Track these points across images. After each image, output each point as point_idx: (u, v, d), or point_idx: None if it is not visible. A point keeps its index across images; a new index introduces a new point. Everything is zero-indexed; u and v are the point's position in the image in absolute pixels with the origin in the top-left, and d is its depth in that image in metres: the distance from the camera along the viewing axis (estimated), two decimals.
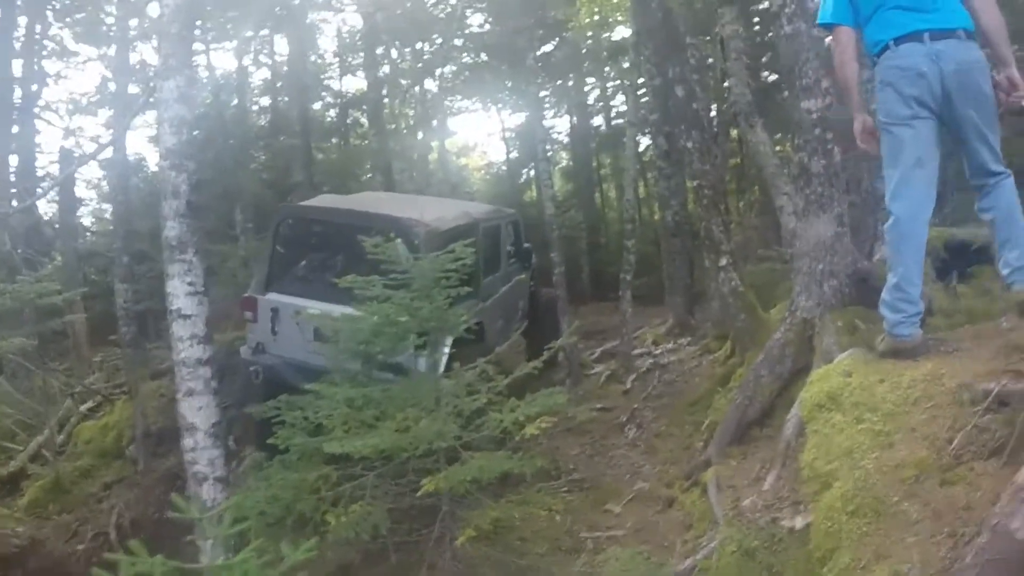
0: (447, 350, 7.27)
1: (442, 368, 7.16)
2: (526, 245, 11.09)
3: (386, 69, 17.53)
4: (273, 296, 8.12)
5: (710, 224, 8.21)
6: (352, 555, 6.17)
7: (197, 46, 15.62)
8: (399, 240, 7.32)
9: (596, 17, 13.32)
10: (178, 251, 5.02)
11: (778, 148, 12.45)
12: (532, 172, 21.77)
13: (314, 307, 7.24)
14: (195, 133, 15.27)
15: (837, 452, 3.63)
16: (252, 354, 8.15)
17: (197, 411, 5.11)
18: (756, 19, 14.46)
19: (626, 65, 15.03)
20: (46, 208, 17.70)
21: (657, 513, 6.79)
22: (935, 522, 2.91)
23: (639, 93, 13.19)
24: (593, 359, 11.76)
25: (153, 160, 17.46)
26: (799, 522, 4.68)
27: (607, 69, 20.29)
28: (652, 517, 6.74)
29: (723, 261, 8.15)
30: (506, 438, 5.34)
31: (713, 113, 15.10)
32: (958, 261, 7.07)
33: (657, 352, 11.28)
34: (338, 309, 6.55)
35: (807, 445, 4.06)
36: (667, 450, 8.13)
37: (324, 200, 9.36)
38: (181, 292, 5.05)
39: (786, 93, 7.23)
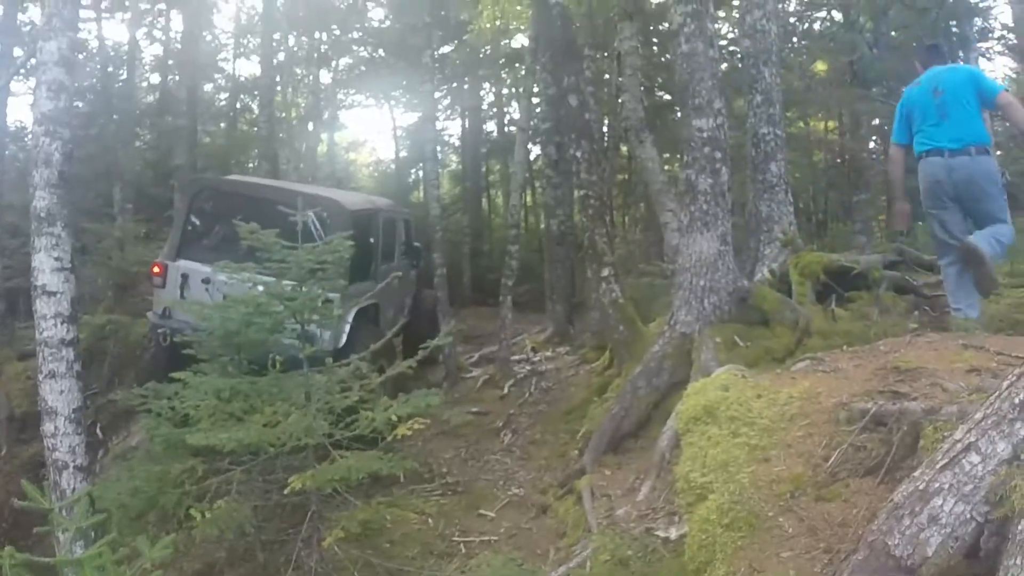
0: (349, 322, 8.12)
1: (344, 339, 7.92)
2: (416, 244, 11.31)
3: (281, 56, 17.13)
4: (183, 263, 8.51)
5: (594, 234, 8.26)
6: (218, 553, 5.93)
7: (87, 13, 14.98)
8: (312, 214, 7.74)
9: (497, 23, 13.29)
10: (46, 223, 4.72)
11: (666, 167, 12.69)
12: (420, 173, 21.58)
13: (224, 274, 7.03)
14: (78, 104, 14.76)
15: (713, 465, 3.65)
16: (159, 318, 8.48)
17: (59, 395, 4.82)
18: (655, 39, 14.73)
19: (522, 72, 15.05)
20: None
21: (531, 520, 6.75)
22: (811, 537, 2.94)
23: (533, 101, 13.22)
24: (471, 363, 11.71)
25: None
26: (674, 533, 4.71)
27: (504, 75, 20.34)
28: (526, 524, 6.70)
29: (605, 272, 8.20)
30: (378, 438, 5.19)
31: (605, 127, 15.34)
32: (838, 285, 7.30)
33: (535, 359, 11.30)
34: (245, 278, 6.41)
35: (683, 457, 4.07)
36: (542, 457, 8.11)
37: (237, 177, 9.80)
38: (47, 267, 4.75)
39: (678, 113, 7.33)
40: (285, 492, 4.75)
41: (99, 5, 15.13)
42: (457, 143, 24.57)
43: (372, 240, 9.46)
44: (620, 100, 11.48)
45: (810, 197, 18.26)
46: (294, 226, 7.41)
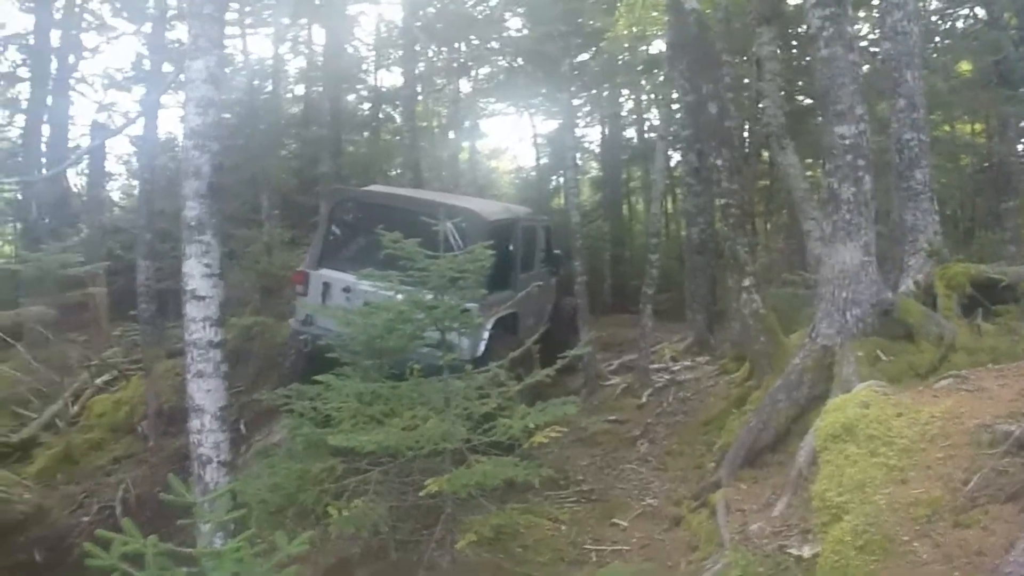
0: (487, 331, 8.26)
1: (482, 348, 8.06)
2: (556, 251, 11.40)
3: (421, 67, 17.50)
4: (325, 271, 8.75)
5: (735, 244, 8.14)
6: (353, 549, 6.14)
7: (233, 30, 15.72)
8: (451, 225, 7.77)
9: (633, 29, 13.24)
10: (196, 232, 5.01)
11: (809, 173, 12.35)
12: (561, 179, 21.70)
13: (365, 284, 7.26)
14: (225, 116, 15.47)
15: (849, 484, 3.57)
16: (301, 325, 8.78)
17: (206, 393, 5.10)
18: (794, 42, 14.37)
19: (660, 79, 14.91)
20: (75, 180, 17.84)
21: (664, 531, 6.73)
22: (945, 565, 2.86)
23: (672, 108, 13.11)
24: (610, 371, 11.69)
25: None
26: (807, 551, 4.61)
27: (642, 81, 20.19)
28: (658, 535, 6.69)
29: (746, 282, 8.08)
30: (515, 444, 5.27)
31: (745, 133, 15.06)
32: (985, 298, 6.99)
33: (675, 368, 11.20)
34: (384, 288, 6.70)
35: (819, 475, 4.00)
36: (678, 468, 8.07)
37: (378, 188, 9.99)
38: (197, 273, 5.04)
39: (820, 118, 7.15)
40: (421, 494, 4.88)
41: (243, 22, 15.84)
42: (597, 150, 24.50)
43: (511, 249, 9.57)
44: (760, 105, 11.25)
45: (957, 204, 17.34)
46: (433, 236, 7.84)
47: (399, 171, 16.88)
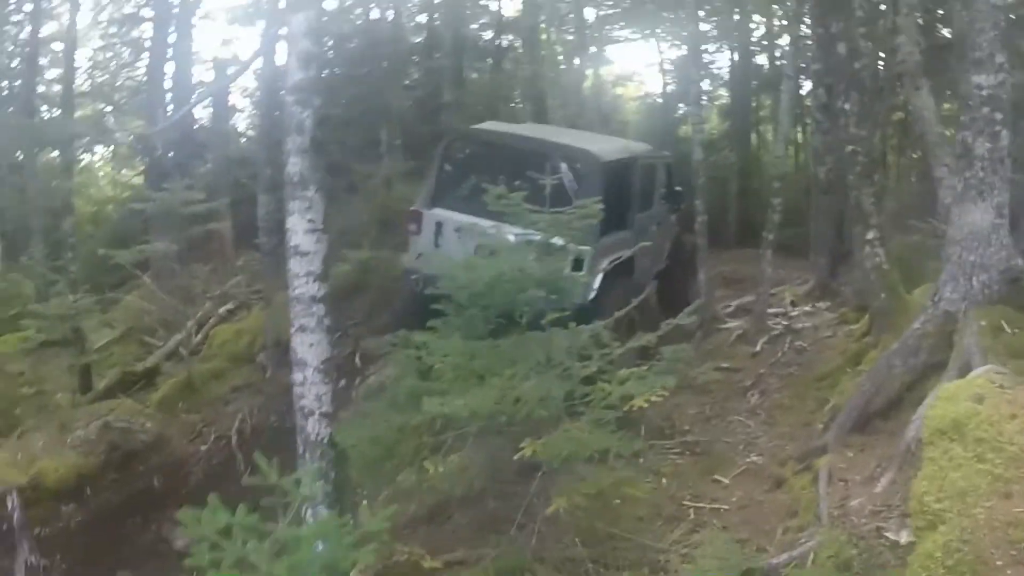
0: (600, 276, 8.28)
1: (595, 289, 8.03)
2: (678, 188, 11.19)
3: None
4: (438, 211, 8.80)
5: (860, 194, 7.78)
6: (454, 491, 6.23)
7: None
8: (565, 166, 8.29)
9: None
10: (299, 187, 5.06)
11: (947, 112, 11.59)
12: (688, 108, 21.12)
13: (478, 224, 7.56)
14: (350, 45, 15.48)
15: (950, 491, 3.42)
16: (414, 264, 8.82)
17: (309, 347, 5.21)
18: None
19: (790, 5, 14.15)
20: (201, 113, 18.30)
21: (764, 492, 6.63)
22: None
23: (801, 41, 12.50)
24: (727, 313, 11.45)
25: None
26: (904, 537, 4.48)
27: (774, 6, 19.32)
28: (759, 496, 6.59)
29: (870, 234, 7.73)
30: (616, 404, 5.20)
31: (880, 64, 14.18)
32: None
33: (793, 314, 10.89)
34: (500, 227, 6.94)
35: (921, 474, 3.84)
36: (786, 424, 7.90)
37: (491, 125, 10.00)
38: (300, 229, 5.10)
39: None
40: (516, 457, 4.91)
41: None
42: (726, 76, 23.64)
43: (629, 189, 9.41)
44: (897, 41, 10.57)
45: None
46: (547, 174, 7.88)
47: (521, 102, 16.70)
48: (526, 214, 5.84)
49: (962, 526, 3.14)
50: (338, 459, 5.43)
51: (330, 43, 16.26)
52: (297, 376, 5.28)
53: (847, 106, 7.89)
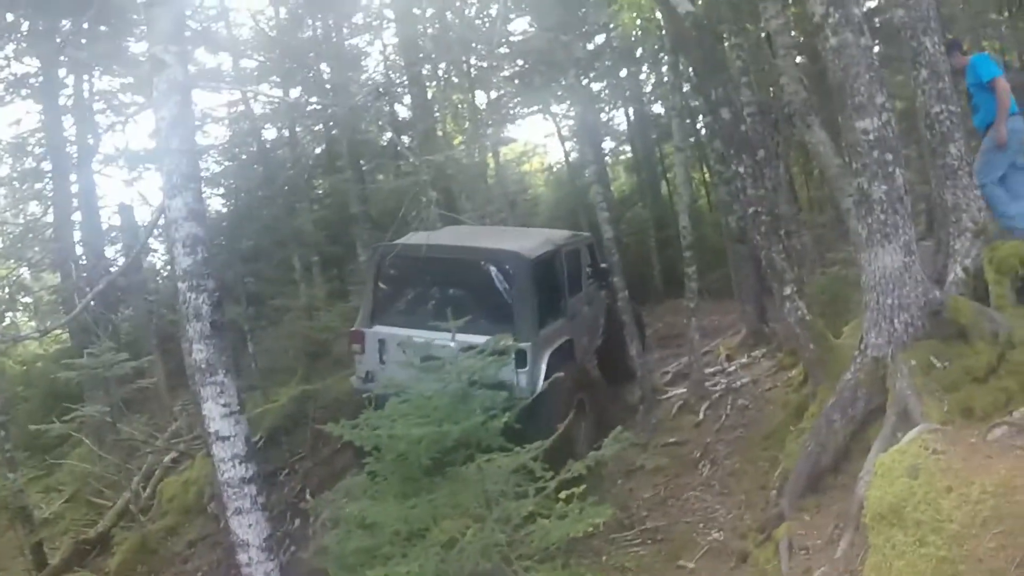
0: (544, 366, 8.51)
1: (540, 383, 8.11)
2: (603, 264, 11.28)
3: (431, 90, 17.31)
4: (379, 328, 8.94)
5: (770, 252, 7.76)
6: None
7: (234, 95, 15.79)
8: (494, 269, 8.87)
9: (638, 22, 12.84)
10: (208, 374, 4.88)
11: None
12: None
13: (419, 336, 7.72)
14: (257, 167, 15.38)
15: None
16: (363, 383, 8.84)
17: (248, 528, 5.01)
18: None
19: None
20: (113, 256, 18.07)
21: (731, 570, 6.57)
22: None
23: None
24: (666, 382, 11.38)
25: (214, 204, 17.68)
26: None
27: (662, 55, 19.72)
28: (726, 575, 6.47)
29: (787, 290, 7.68)
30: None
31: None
32: None
33: (730, 370, 10.87)
34: (439, 336, 7.19)
35: (868, 564, 3.72)
36: (742, 491, 7.81)
37: (416, 237, 10.02)
38: (217, 415, 4.92)
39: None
40: None
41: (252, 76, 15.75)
42: (626, 132, 24.00)
43: (557, 278, 9.57)
44: (780, 83, 10.77)
45: None
46: (481, 279, 8.92)
47: (426, 200, 16.68)
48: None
49: None
50: None
51: (232, 173, 16.28)
52: (242, 557, 5.06)
53: (740, 169, 7.92)
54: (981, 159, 7.76)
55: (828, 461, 6.29)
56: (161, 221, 7.95)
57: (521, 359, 8.28)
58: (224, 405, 4.92)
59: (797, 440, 7.15)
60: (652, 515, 7.89)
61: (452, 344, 6.84)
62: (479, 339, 7.37)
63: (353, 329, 9.31)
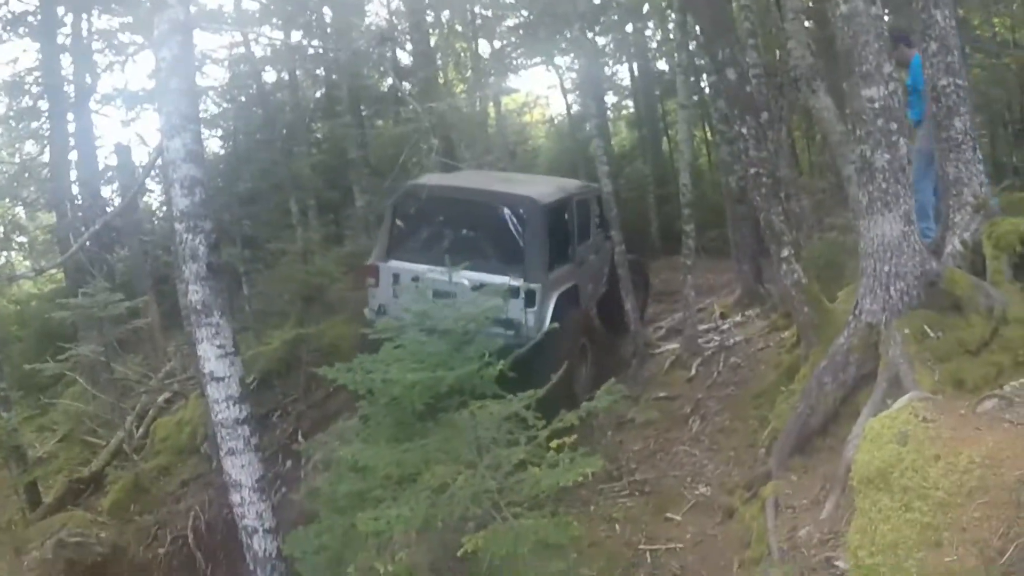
0: (551, 307, 9.01)
1: (547, 322, 8.79)
2: (608, 216, 11.47)
3: (434, 38, 17.11)
4: (393, 263, 9.31)
5: (769, 214, 7.80)
6: None
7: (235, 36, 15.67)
8: (508, 212, 9.25)
9: None
10: (204, 315, 4.93)
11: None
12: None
13: (432, 271, 8.41)
14: (256, 110, 15.33)
15: (882, 544, 3.40)
16: (375, 315, 9.12)
17: (241, 469, 5.09)
18: None
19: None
20: (112, 197, 18.03)
21: (717, 525, 6.67)
22: None
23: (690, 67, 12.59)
24: (659, 337, 11.46)
25: (212, 145, 17.60)
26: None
27: (669, 12, 19.54)
28: (711, 530, 6.64)
29: (785, 252, 7.74)
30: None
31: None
32: None
33: (724, 328, 10.96)
34: (456, 273, 7.74)
35: (853, 526, 3.82)
36: (730, 448, 7.95)
37: (434, 178, 10.62)
38: (212, 355, 4.97)
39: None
40: (458, 554, 4.81)
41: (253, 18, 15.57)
42: (630, 87, 23.80)
43: (567, 225, 10.00)
44: (788, 46, 10.72)
45: (1003, 106, 16.51)
46: (494, 221, 9.35)
47: (426, 147, 16.63)
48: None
49: None
50: (291, 568, 5.31)
51: (230, 115, 16.18)
52: (235, 497, 5.15)
53: (744, 130, 7.93)
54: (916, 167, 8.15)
55: (817, 423, 6.39)
56: (159, 162, 8.05)
57: (530, 299, 8.78)
58: (219, 346, 4.98)
59: (788, 401, 7.25)
60: (641, 468, 8.02)
61: (464, 281, 8.02)
62: (490, 277, 8.61)
63: (368, 263, 9.68)
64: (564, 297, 9.38)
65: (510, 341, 7.68)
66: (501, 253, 9.21)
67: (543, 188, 10.17)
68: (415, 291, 8.41)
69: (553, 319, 8.87)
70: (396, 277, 9.19)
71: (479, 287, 8.15)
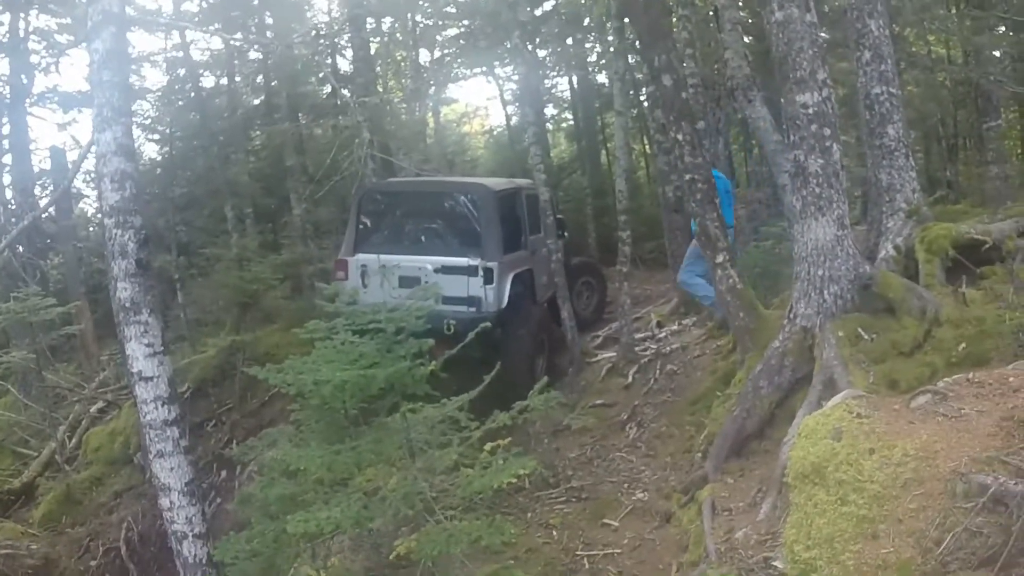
0: (508, 286, 9.79)
1: (505, 299, 9.68)
2: (560, 216, 12.09)
3: (374, 47, 16.96)
4: (360, 256, 9.89)
5: (705, 220, 7.84)
6: None
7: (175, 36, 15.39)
8: (464, 198, 10.21)
9: None
10: (132, 313, 4.76)
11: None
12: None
13: (397, 260, 9.11)
14: (193, 116, 15.05)
15: (818, 538, 3.38)
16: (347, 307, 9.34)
17: (170, 471, 4.92)
18: None
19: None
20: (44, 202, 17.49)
21: (655, 529, 6.65)
22: None
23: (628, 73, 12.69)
24: (595, 346, 11.46)
25: (148, 150, 17.25)
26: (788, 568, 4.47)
27: (608, 25, 19.67)
28: (649, 534, 6.61)
29: (719, 258, 7.78)
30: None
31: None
32: (969, 260, 6.69)
33: (660, 336, 10.98)
34: (416, 260, 9.51)
35: (789, 521, 3.80)
36: (667, 453, 7.93)
37: (396, 180, 12.09)
38: (140, 355, 4.80)
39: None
40: (391, 557, 4.71)
41: (193, 20, 15.32)
42: (569, 99, 23.89)
43: (519, 215, 10.76)
44: (725, 58, 10.84)
45: (937, 120, 17.00)
46: (450, 211, 10.36)
47: (366, 152, 16.50)
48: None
49: (832, 574, 3.10)
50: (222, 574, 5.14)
51: (167, 119, 15.87)
52: (164, 501, 4.98)
53: (679, 136, 7.96)
54: (688, 260, 9.81)
55: (753, 427, 6.43)
56: (91, 154, 7.84)
57: (488, 276, 9.52)
58: (148, 345, 4.83)
59: (724, 405, 7.27)
60: (578, 474, 7.98)
61: (428, 265, 9.31)
62: (451, 260, 9.58)
63: (337, 259, 10.36)
64: (519, 280, 10.16)
65: (472, 316, 9.01)
66: (460, 238, 10.05)
67: (496, 181, 11.37)
68: (382, 279, 8.67)
69: (510, 299, 9.76)
70: (364, 268, 9.69)
71: (441, 269, 9.39)
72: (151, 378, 4.83)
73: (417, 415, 5.11)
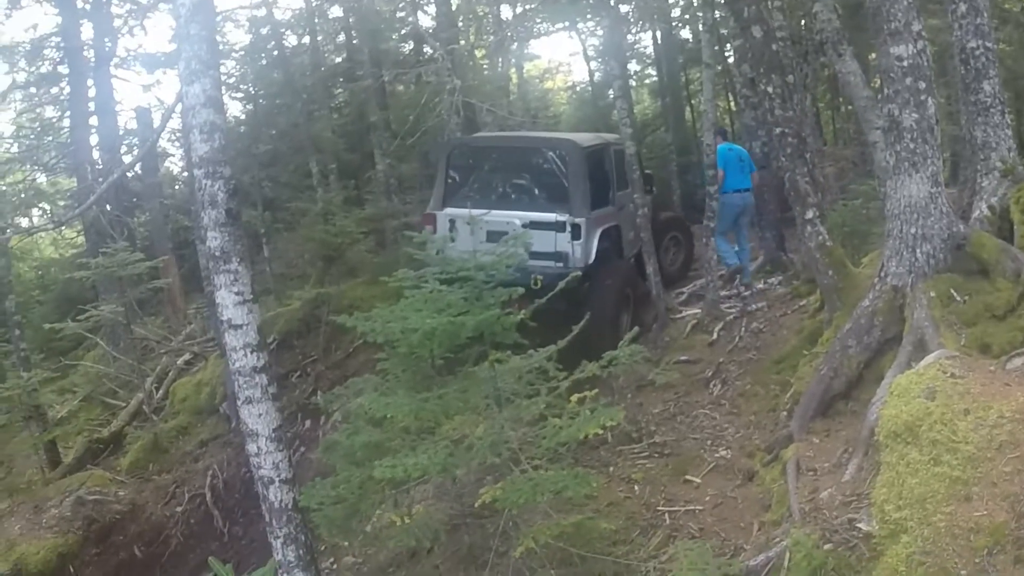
0: (596, 241, 9.86)
1: (592, 255, 9.71)
2: (648, 171, 12.20)
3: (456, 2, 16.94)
4: (449, 210, 9.95)
5: (795, 175, 7.68)
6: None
7: None
8: (552, 154, 10.20)
9: None
10: (222, 262, 4.86)
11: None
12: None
13: (485, 214, 8.65)
14: (275, 75, 15.30)
15: (910, 498, 3.34)
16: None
17: (258, 418, 5.03)
18: None
19: None
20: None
21: (737, 487, 6.60)
22: None
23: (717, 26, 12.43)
24: (680, 302, 11.38)
25: (233, 108, 17.55)
26: (876, 526, 4.42)
27: None
28: (731, 492, 6.56)
29: (809, 214, 7.63)
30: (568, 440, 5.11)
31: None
32: None
33: (746, 294, 10.86)
34: (504, 214, 9.32)
35: (880, 480, 3.76)
36: (751, 412, 7.87)
37: (484, 134, 11.91)
38: (230, 303, 4.91)
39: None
40: (476, 505, 4.80)
41: None
42: (652, 55, 23.52)
43: (607, 170, 10.77)
44: (815, 9, 10.54)
45: None
46: (539, 166, 10.37)
47: (455, 103, 16.56)
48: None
49: (923, 536, 3.08)
50: (307, 519, 5.30)
51: (251, 78, 16.12)
52: (251, 447, 5.10)
53: (769, 89, 7.80)
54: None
55: (840, 386, 6.33)
56: (178, 109, 8.01)
57: (576, 232, 9.59)
58: (237, 293, 4.91)
59: (810, 364, 7.19)
60: (660, 430, 7.94)
61: (516, 220, 9.24)
62: (539, 215, 9.65)
63: (426, 212, 10.41)
64: (606, 235, 10.19)
65: (559, 271, 8.85)
66: (547, 193, 10.12)
67: (583, 136, 11.17)
68: (471, 232, 8.78)
69: (597, 254, 9.77)
70: (452, 222, 9.68)
71: (529, 225, 9.25)
72: (240, 326, 4.93)
73: (504, 365, 5.17)
